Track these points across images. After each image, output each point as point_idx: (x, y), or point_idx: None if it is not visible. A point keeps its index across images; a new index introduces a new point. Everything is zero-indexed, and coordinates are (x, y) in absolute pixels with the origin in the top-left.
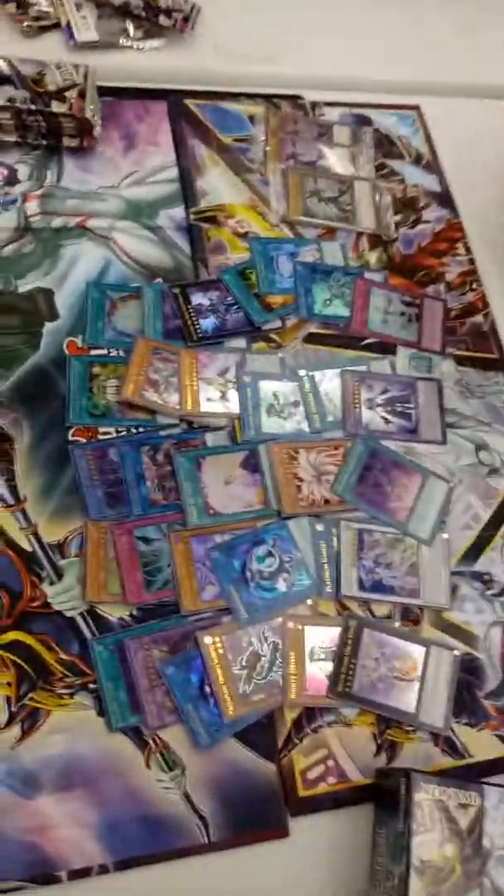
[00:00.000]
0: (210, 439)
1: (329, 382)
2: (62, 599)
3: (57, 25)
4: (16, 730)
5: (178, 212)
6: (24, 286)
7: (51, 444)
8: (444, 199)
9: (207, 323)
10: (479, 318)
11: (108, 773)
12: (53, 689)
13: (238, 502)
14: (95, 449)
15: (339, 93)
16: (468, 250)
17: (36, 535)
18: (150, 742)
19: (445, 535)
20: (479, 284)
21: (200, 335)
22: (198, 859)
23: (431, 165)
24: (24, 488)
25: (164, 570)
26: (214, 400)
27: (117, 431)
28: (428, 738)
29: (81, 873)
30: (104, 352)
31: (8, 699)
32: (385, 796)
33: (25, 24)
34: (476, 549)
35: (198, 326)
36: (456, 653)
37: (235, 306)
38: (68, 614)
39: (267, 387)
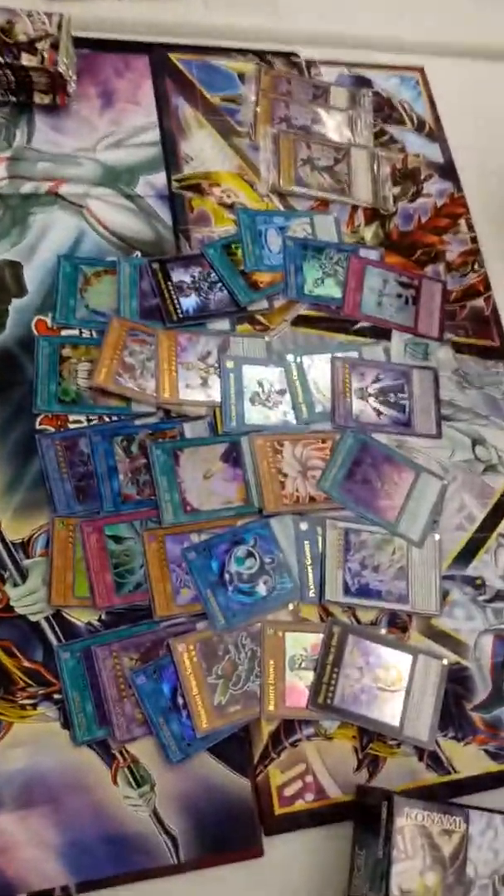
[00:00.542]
0: (189, 430)
1: (318, 369)
2: (26, 602)
3: None
4: None
5: (160, 178)
6: None
7: (16, 433)
8: (447, 170)
9: (188, 302)
10: (479, 302)
11: (72, 789)
12: (15, 699)
13: (217, 499)
14: (64, 439)
15: (338, 50)
16: (471, 227)
17: None
18: (118, 756)
19: (437, 537)
20: (481, 265)
21: (181, 315)
22: (167, 881)
23: (434, 133)
24: None
25: (136, 571)
26: (194, 387)
27: (88, 420)
28: (412, 753)
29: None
30: (76, 332)
31: None
32: (365, 815)
33: None
34: (469, 552)
35: (178, 306)
36: (444, 662)
37: (219, 284)
38: (32, 618)
39: (251, 373)
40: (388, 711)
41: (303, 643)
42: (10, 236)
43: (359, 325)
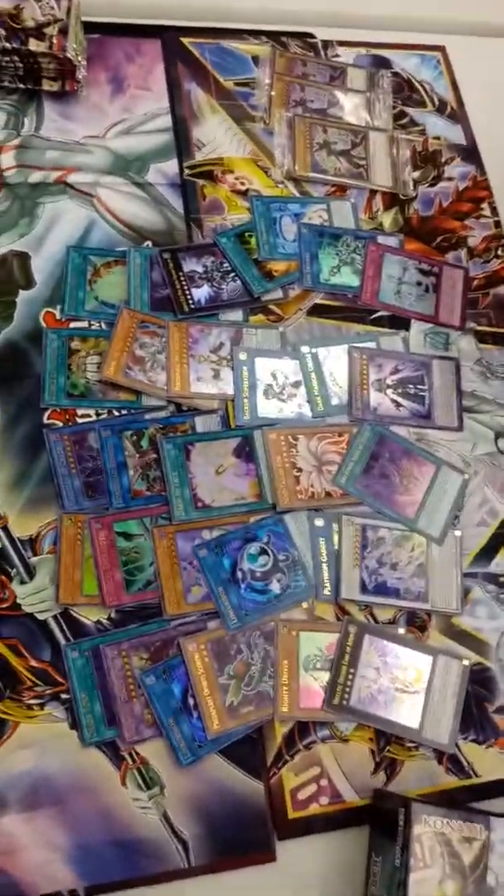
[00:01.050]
0: (200, 424)
1: (334, 361)
2: (33, 601)
3: None
4: None
5: (171, 166)
6: None
7: (24, 427)
8: (470, 153)
9: (200, 293)
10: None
11: (80, 791)
12: (22, 699)
13: (230, 494)
14: (73, 433)
15: (356, 31)
16: (494, 211)
17: (6, 528)
18: (127, 758)
19: (458, 533)
20: None
21: (192, 306)
22: (177, 885)
23: (456, 115)
24: None
25: (146, 569)
26: (206, 380)
27: (97, 414)
28: (431, 756)
29: None
30: (85, 325)
31: None
32: (382, 821)
33: None
34: (491, 549)
35: (189, 296)
36: (465, 663)
37: (232, 274)
38: (40, 617)
39: (265, 365)
40: (407, 713)
41: (318, 643)
42: (19, 227)
43: (377, 315)
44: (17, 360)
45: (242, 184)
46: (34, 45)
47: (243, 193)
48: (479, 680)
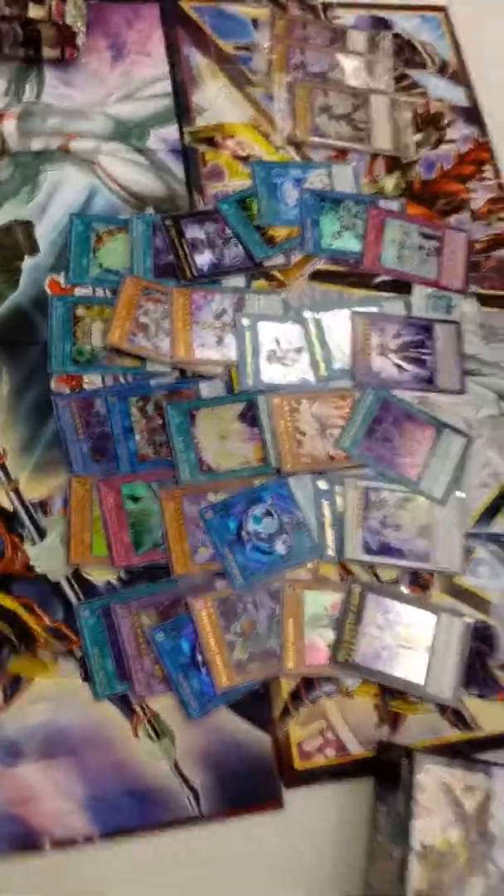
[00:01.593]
0: (205, 389)
1: (337, 325)
2: (45, 561)
3: None
4: None
5: (172, 132)
6: (1, 217)
7: (32, 393)
8: (472, 115)
9: (203, 259)
10: None
11: (94, 742)
12: (37, 655)
13: (234, 458)
14: (80, 399)
15: None
16: (497, 174)
17: (17, 491)
18: (139, 710)
19: (461, 494)
20: None
21: (195, 273)
22: (188, 832)
23: (458, 76)
24: (3, 442)
25: (153, 530)
26: (210, 345)
27: (103, 380)
28: (434, 710)
29: (66, 843)
30: (89, 292)
31: None
32: (386, 770)
33: None
34: (494, 509)
35: (192, 263)
36: (468, 620)
37: (234, 240)
38: (52, 578)
39: (268, 330)
40: (411, 669)
41: (322, 602)
42: (22, 195)
43: (379, 279)
44: (23, 326)
45: (243, 149)
46: (34, 11)
47: (244, 159)
48: (481, 637)
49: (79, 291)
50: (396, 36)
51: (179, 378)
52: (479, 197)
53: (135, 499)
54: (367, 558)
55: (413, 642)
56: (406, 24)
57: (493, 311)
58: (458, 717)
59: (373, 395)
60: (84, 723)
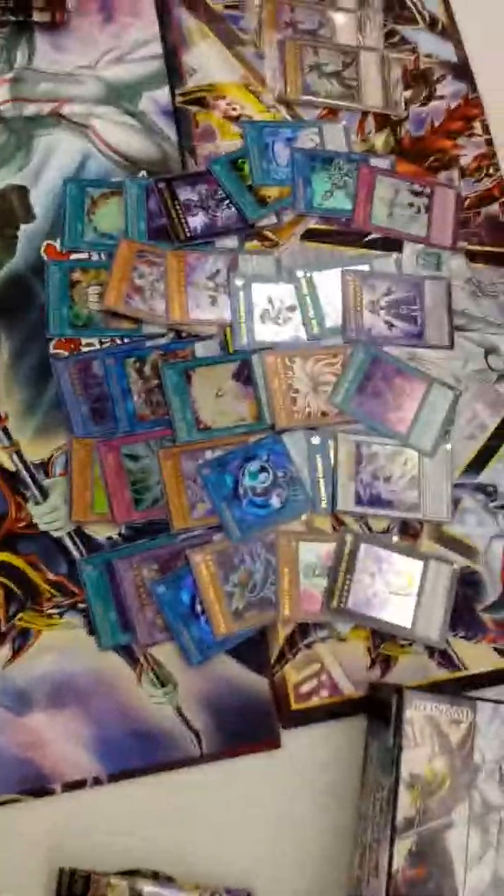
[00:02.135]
0: (201, 349)
1: (329, 284)
2: (48, 520)
3: None
4: (6, 649)
5: (163, 94)
6: None
7: (31, 357)
8: (462, 70)
9: (196, 221)
10: (495, 208)
11: (99, 689)
12: (42, 609)
13: (230, 416)
14: (78, 362)
15: None
16: (486, 129)
17: (19, 453)
18: (142, 659)
19: (448, 447)
20: (496, 169)
21: (188, 235)
22: (191, 771)
23: (448, 31)
24: (4, 406)
25: (153, 488)
26: (204, 306)
27: (101, 343)
28: (423, 652)
29: (75, 786)
30: (85, 256)
31: None
32: (377, 709)
33: None
34: (481, 461)
35: (185, 225)
36: (455, 566)
37: (227, 201)
38: (55, 535)
39: (261, 290)
40: (400, 614)
41: (316, 551)
42: (16, 160)
43: (370, 237)
44: (20, 291)
45: (234, 109)
46: None
47: (235, 119)
48: (468, 582)
49: (75, 256)
50: None
51: (175, 339)
52: (468, 153)
53: (134, 457)
54: (358, 510)
55: (402, 588)
56: None
57: (480, 267)
58: (445, 659)
59: (364, 351)
60: (90, 671)
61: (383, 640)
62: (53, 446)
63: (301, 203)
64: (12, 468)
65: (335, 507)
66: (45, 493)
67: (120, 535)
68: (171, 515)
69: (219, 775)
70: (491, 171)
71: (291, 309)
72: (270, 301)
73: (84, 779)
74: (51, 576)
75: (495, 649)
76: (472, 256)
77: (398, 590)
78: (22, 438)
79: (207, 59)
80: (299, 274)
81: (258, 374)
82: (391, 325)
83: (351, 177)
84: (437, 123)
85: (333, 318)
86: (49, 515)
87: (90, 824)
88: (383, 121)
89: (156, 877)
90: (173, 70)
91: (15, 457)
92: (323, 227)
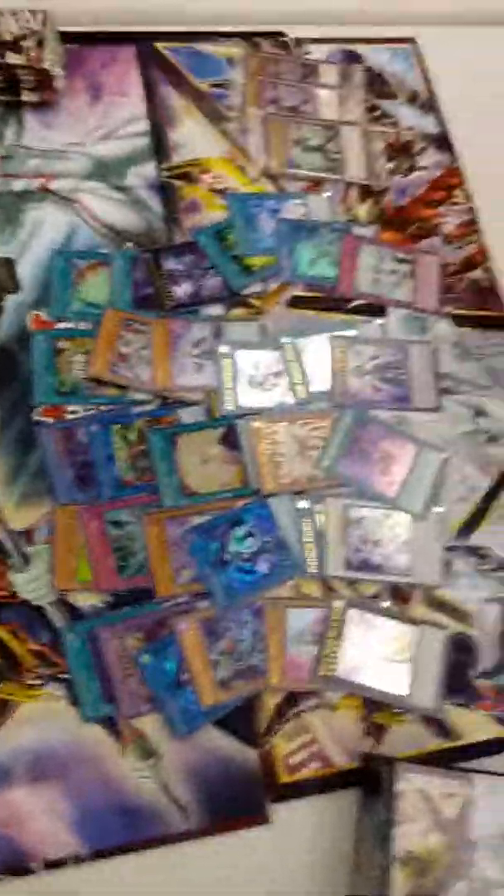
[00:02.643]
0: (185, 415)
1: (315, 350)
2: (31, 588)
3: None
4: None
5: (150, 169)
6: None
7: (17, 425)
8: (442, 142)
9: (181, 290)
10: (479, 273)
11: (81, 763)
12: (23, 679)
13: (216, 481)
14: (63, 429)
15: (327, 27)
16: (468, 198)
17: (2, 520)
18: (125, 731)
19: (439, 509)
20: (479, 235)
21: (174, 303)
22: (176, 848)
23: (428, 105)
24: None
25: (137, 554)
26: (190, 373)
27: (86, 410)
28: (417, 720)
29: (57, 864)
30: (72, 325)
31: None
32: (369, 781)
33: None
34: (472, 523)
35: (170, 294)
36: (448, 632)
37: (212, 270)
38: (37, 603)
39: (246, 357)
40: (392, 681)
41: (304, 618)
42: (4, 234)
43: (355, 304)
44: (5, 361)
45: (220, 182)
46: (12, 58)
47: (221, 192)
48: (461, 648)
49: (62, 325)
50: (367, 69)
51: (161, 405)
52: (450, 221)
53: (118, 524)
54: (348, 574)
55: (395, 655)
56: (377, 56)
57: (466, 331)
58: (440, 727)
59: (351, 414)
60: (72, 744)
61: (376, 709)
62: (38, 514)
63: (286, 271)
64: None
65: (324, 571)
66: (27, 561)
67: (104, 603)
68: (156, 582)
69: (205, 851)
70: (473, 238)
71: (277, 375)
72: (256, 367)
73: (65, 857)
74: (32, 645)
75: (493, 717)
76: (458, 321)
77: (390, 656)
78: (5, 505)
79: (193, 136)
80: (285, 340)
81: (244, 439)
82: (378, 389)
83: (335, 245)
84: (418, 193)
85: (320, 383)
86: (32, 584)
87: None
88: (366, 192)
89: None
90: (160, 146)
91: None
92: (308, 293)
